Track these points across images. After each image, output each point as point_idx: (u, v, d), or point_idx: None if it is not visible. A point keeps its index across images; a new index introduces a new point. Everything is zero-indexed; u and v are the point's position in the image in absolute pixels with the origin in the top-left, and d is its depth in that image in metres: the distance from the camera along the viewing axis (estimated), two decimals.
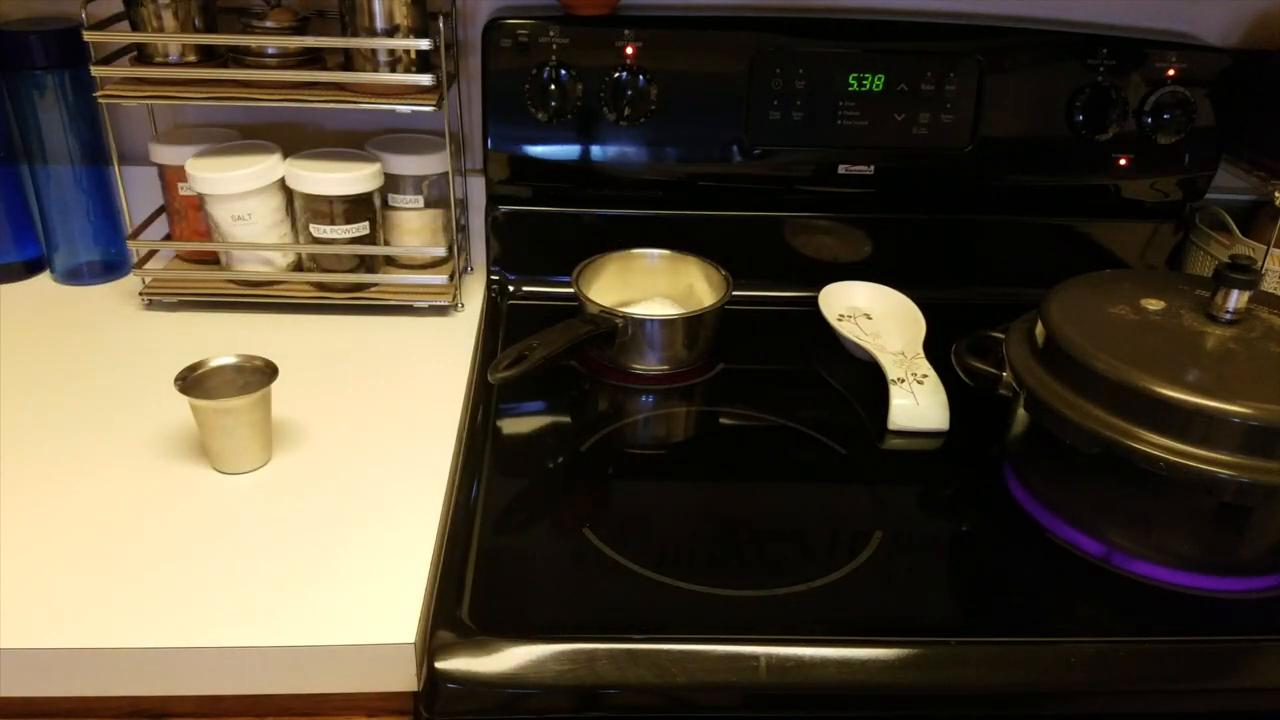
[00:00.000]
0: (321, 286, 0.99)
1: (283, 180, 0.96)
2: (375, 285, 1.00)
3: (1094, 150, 1.04)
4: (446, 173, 0.99)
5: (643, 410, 0.92)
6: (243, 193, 0.94)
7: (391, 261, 1.04)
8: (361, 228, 0.97)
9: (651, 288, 1.03)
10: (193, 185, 0.95)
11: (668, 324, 0.94)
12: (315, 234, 0.96)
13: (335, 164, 0.95)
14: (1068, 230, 1.09)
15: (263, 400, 0.76)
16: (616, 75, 0.98)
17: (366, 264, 1.00)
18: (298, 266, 1.00)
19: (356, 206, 0.96)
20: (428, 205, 1.01)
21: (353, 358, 0.92)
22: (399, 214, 1.01)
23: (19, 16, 0.99)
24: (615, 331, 0.91)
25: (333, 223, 0.96)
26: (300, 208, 0.97)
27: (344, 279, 0.99)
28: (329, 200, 0.95)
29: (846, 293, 1.05)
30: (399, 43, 0.91)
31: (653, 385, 0.94)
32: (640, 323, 0.92)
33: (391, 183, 1.00)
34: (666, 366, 0.94)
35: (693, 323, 0.94)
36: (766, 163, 1.04)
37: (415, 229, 1.02)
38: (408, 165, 0.99)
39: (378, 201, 0.98)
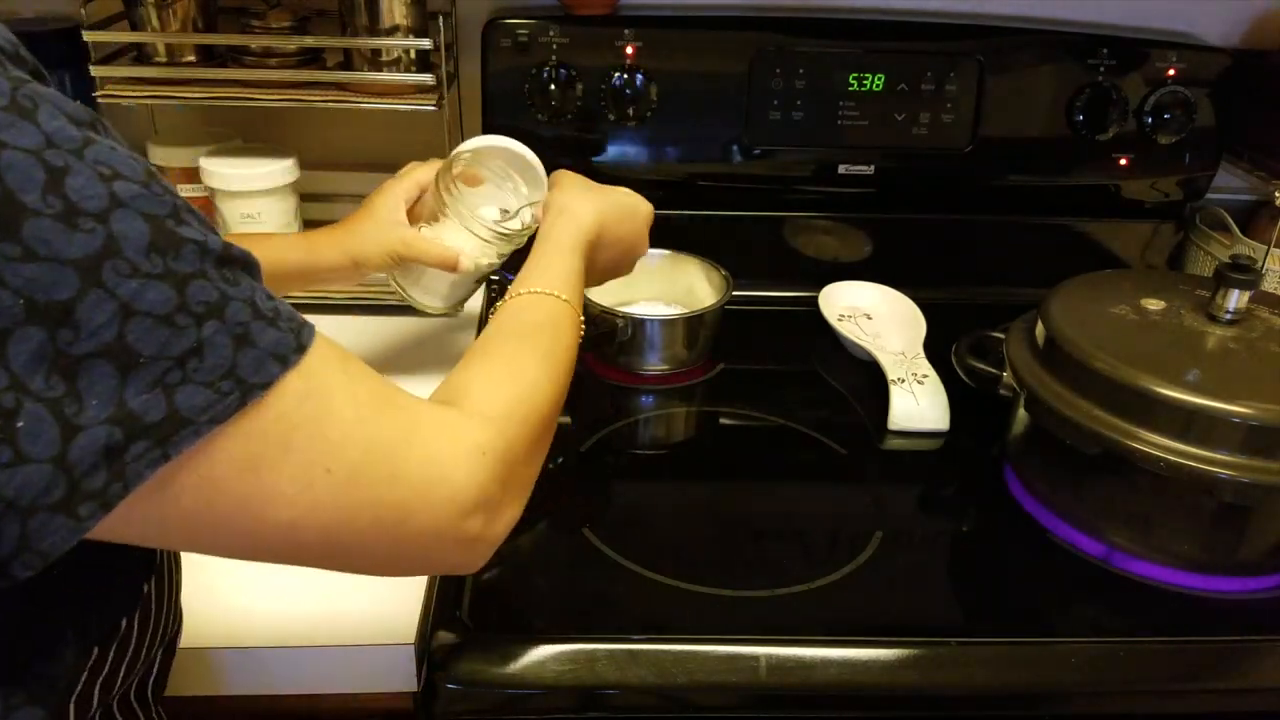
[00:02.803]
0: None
1: (295, 184, 0.96)
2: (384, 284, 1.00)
3: (1094, 150, 1.04)
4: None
5: (643, 410, 0.92)
6: (255, 191, 0.94)
7: None
8: None
9: (651, 288, 1.03)
10: (205, 180, 0.95)
11: (668, 324, 0.94)
12: None
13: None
14: (1068, 230, 1.09)
15: None
16: (616, 75, 0.98)
17: None
18: None
19: None
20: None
21: None
22: None
23: (19, 16, 0.99)
24: (615, 331, 0.91)
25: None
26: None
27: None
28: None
29: (846, 293, 1.04)
30: (399, 42, 0.91)
31: (653, 385, 0.94)
32: (640, 323, 0.92)
33: None
34: (666, 366, 0.94)
35: (693, 323, 0.94)
36: (766, 163, 1.04)
37: None
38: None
39: None
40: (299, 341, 0.40)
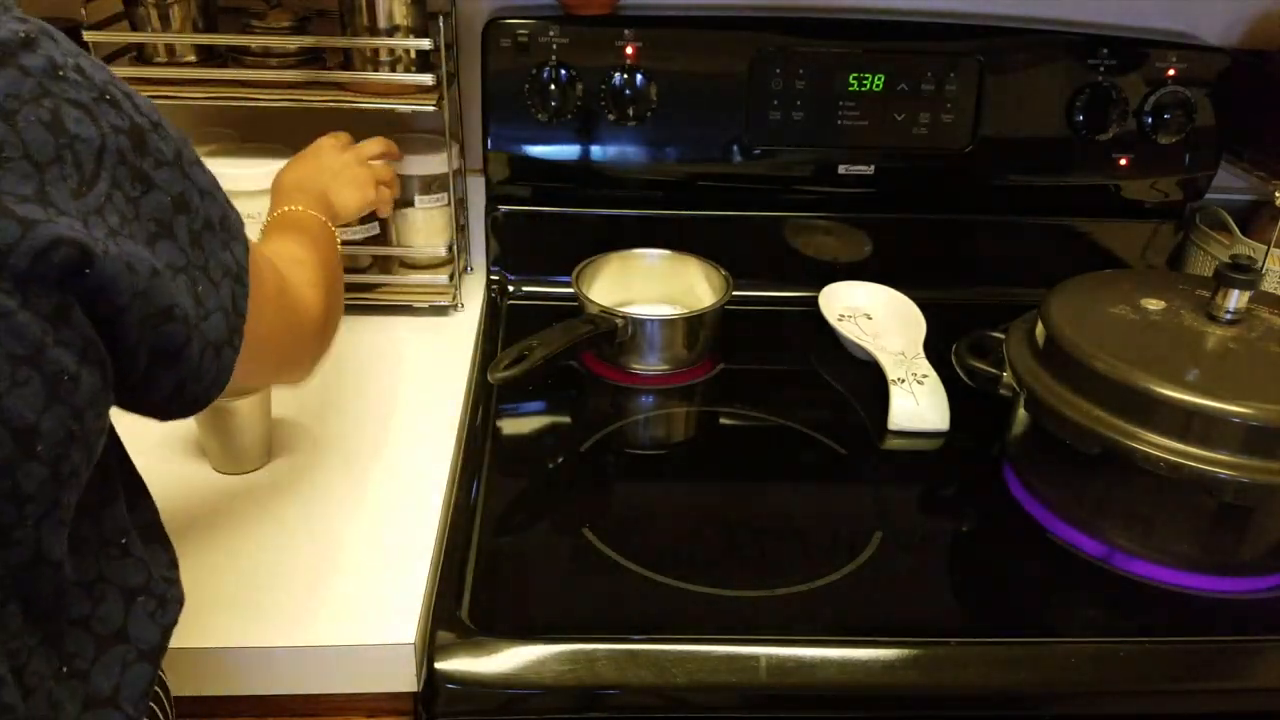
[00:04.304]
0: None
1: None
2: (384, 285, 1.00)
3: (1094, 150, 1.04)
4: (447, 173, 0.99)
5: (643, 410, 0.92)
6: (255, 191, 0.94)
7: (400, 261, 1.04)
8: (372, 228, 0.97)
9: (651, 288, 1.03)
10: None
11: (668, 324, 0.94)
12: None
13: None
14: (1068, 230, 1.09)
15: (263, 400, 0.76)
16: (616, 75, 0.98)
17: (380, 264, 1.00)
18: None
19: None
20: (434, 205, 1.01)
21: (353, 358, 0.92)
22: (403, 214, 1.01)
23: None
24: (615, 331, 0.91)
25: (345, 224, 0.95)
26: None
27: (359, 279, 0.99)
28: None
29: (846, 293, 1.05)
30: (399, 42, 0.91)
31: (653, 385, 0.94)
32: (640, 323, 0.92)
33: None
34: (666, 366, 0.94)
35: (693, 323, 0.94)
36: (766, 163, 1.03)
37: (417, 229, 1.02)
38: (409, 165, 0.99)
39: None
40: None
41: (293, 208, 0.75)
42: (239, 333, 0.47)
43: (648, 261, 1.03)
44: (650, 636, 0.64)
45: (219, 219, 0.46)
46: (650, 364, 0.94)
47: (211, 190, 0.46)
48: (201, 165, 0.46)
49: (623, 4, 1.03)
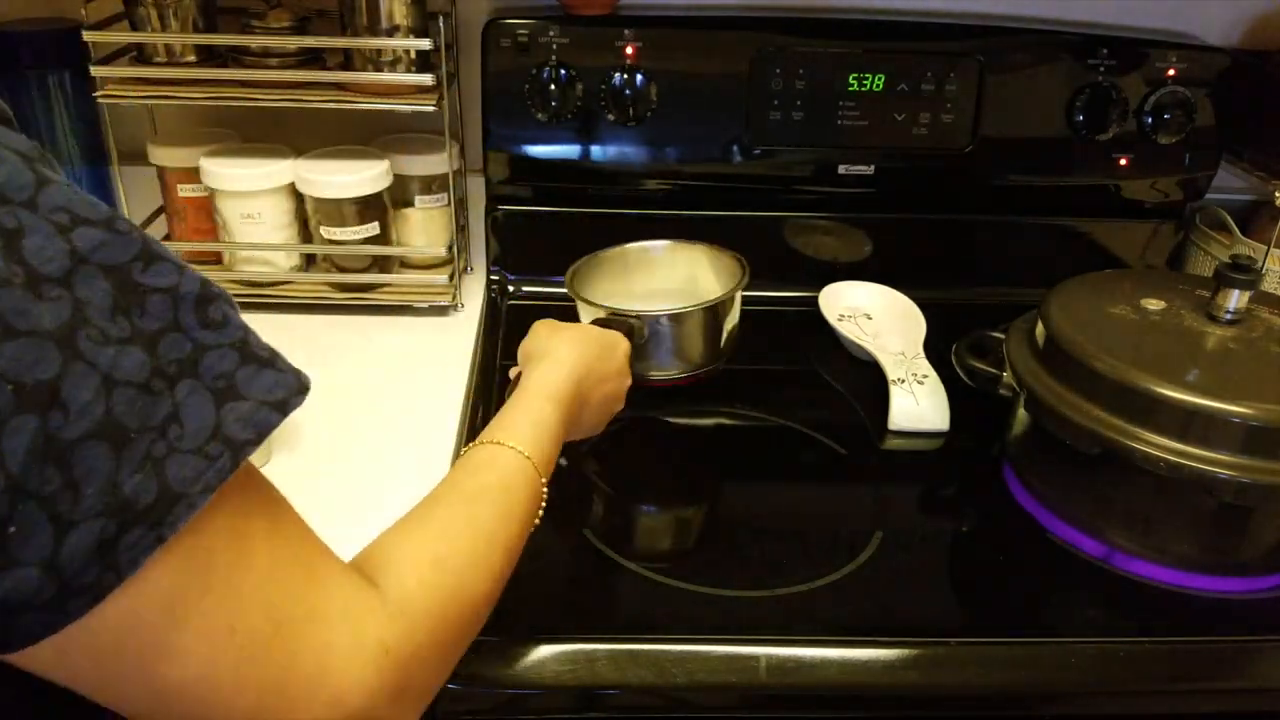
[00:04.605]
0: (333, 286, 0.99)
1: (294, 185, 0.96)
2: (383, 285, 1.00)
3: (1094, 150, 1.04)
4: (447, 173, 0.99)
5: (644, 410, 0.91)
6: (254, 191, 0.94)
7: (400, 261, 1.04)
8: (372, 228, 0.97)
9: (651, 281, 0.96)
10: (205, 180, 0.95)
11: (679, 318, 0.84)
12: (327, 236, 0.96)
13: (344, 164, 0.95)
14: (1068, 230, 1.09)
15: None
16: (616, 75, 0.98)
17: (380, 264, 1.00)
18: (304, 268, 1.00)
19: (367, 207, 0.96)
20: (434, 205, 1.01)
21: (353, 358, 0.92)
22: (403, 214, 1.01)
23: (19, 16, 0.99)
24: (632, 334, 0.81)
25: (344, 224, 0.95)
26: (311, 209, 0.96)
27: (359, 279, 0.99)
28: (338, 202, 0.94)
29: (846, 293, 1.04)
30: (399, 42, 0.91)
31: (653, 385, 0.94)
32: (655, 320, 0.83)
33: (395, 182, 0.99)
34: (677, 370, 0.86)
35: (710, 314, 0.85)
36: (767, 163, 1.03)
37: (417, 229, 1.02)
38: (409, 165, 0.99)
39: (388, 200, 0.98)
40: (300, 383, 0.38)
41: (513, 445, 0.58)
42: (84, 596, 0.32)
43: (652, 254, 0.96)
44: (650, 636, 0.64)
45: (158, 424, 0.33)
46: (667, 368, 0.86)
47: (171, 380, 0.33)
48: (186, 330, 0.34)
49: (623, 4, 1.03)
